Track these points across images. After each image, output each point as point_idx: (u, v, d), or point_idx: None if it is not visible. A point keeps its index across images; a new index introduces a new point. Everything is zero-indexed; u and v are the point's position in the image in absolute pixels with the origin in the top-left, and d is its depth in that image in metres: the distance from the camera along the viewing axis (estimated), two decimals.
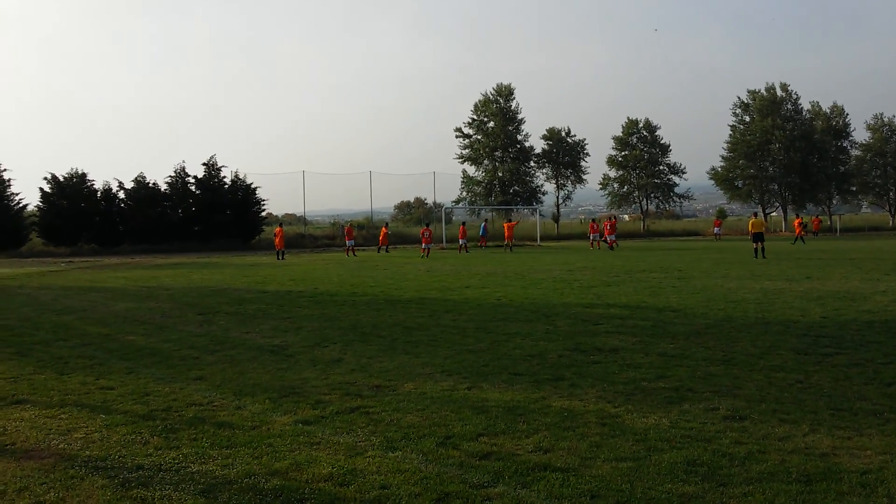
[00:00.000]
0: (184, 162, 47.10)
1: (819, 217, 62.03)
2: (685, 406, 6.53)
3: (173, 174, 46.62)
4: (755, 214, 34.01)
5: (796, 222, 45.14)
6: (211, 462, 5.29)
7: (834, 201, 73.55)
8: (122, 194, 45.70)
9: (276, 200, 74.22)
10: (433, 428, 6.00)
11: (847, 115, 71.63)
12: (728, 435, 5.67)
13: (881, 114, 73.65)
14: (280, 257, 34.33)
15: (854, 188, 72.68)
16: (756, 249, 27.99)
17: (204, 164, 47.09)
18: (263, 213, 49.86)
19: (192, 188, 46.83)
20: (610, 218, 48.65)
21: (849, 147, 72.12)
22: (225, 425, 6.20)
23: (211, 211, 45.48)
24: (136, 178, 45.78)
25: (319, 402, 6.90)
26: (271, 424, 6.20)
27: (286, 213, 72.29)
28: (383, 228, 42.20)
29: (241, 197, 47.29)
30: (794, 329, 10.56)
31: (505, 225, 44.18)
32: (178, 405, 6.90)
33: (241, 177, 47.93)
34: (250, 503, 4.53)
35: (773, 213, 72.55)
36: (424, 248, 35.45)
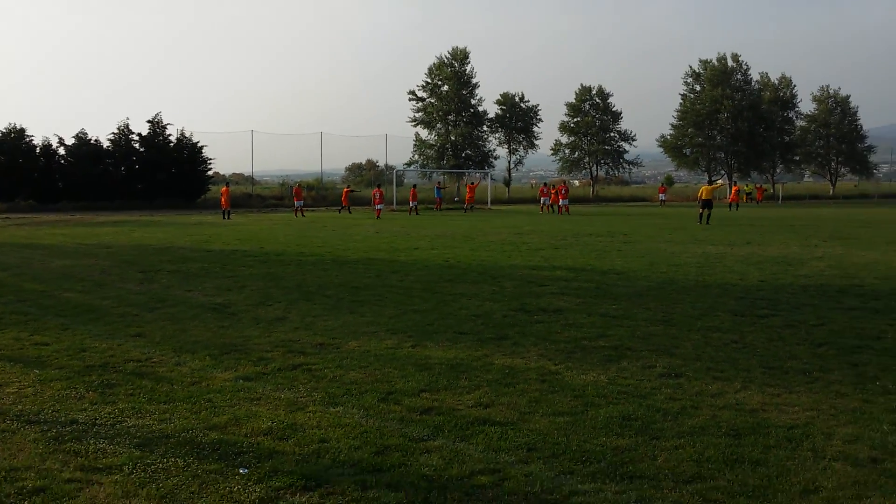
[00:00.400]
0: (128, 119, 45.89)
1: (762, 186, 63.41)
2: (623, 364, 6.66)
3: (116, 131, 45.39)
4: (709, 182, 34.33)
5: (734, 189, 46.01)
6: (148, 417, 5.22)
7: (778, 170, 75.33)
8: (62, 150, 44.31)
9: (224, 160, 72.96)
10: (375, 384, 6.02)
11: (794, 86, 73.17)
12: (663, 391, 5.82)
13: (827, 86, 75.54)
14: (226, 217, 33.76)
15: (797, 158, 74.50)
16: (701, 215, 28.53)
17: (149, 121, 45.97)
18: (210, 172, 48.88)
19: (136, 146, 45.67)
20: (562, 183, 49.09)
21: (794, 118, 73.83)
22: (163, 381, 6.12)
23: (155, 169, 44.38)
24: (77, 135, 44.41)
25: (261, 359, 6.85)
26: (211, 380, 6.13)
27: (234, 173, 70.96)
28: (345, 189, 41.86)
29: (187, 155, 46.30)
30: (732, 292, 10.83)
31: (468, 186, 44.48)
32: (115, 361, 6.77)
33: (187, 135, 46.92)
34: (187, 456, 4.48)
35: (720, 181, 73.95)
36: (377, 210, 35.34)
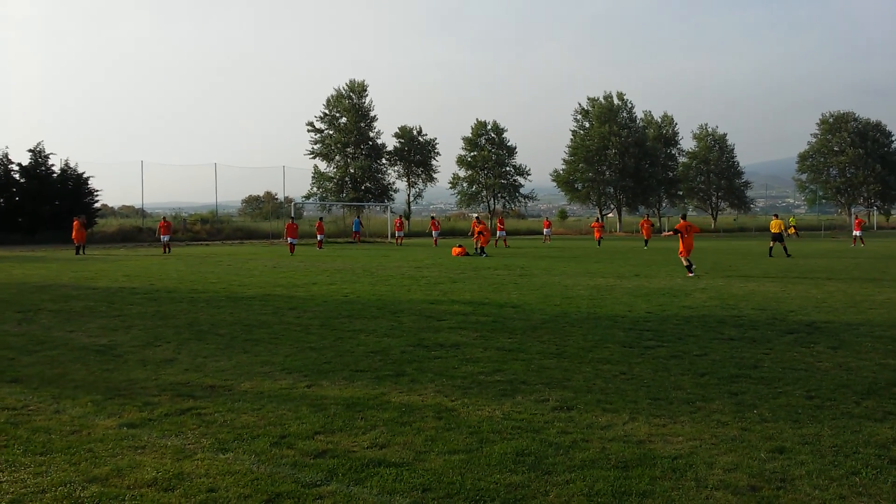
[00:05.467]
0: (7, 148, 43.72)
1: (650, 220, 65.54)
2: (518, 398, 6.77)
3: None
4: (775, 216, 33.95)
5: (644, 224, 44.64)
6: (23, 470, 4.91)
7: (663, 204, 78.97)
8: None
9: (113, 191, 70.23)
10: (268, 427, 5.87)
11: (676, 124, 77.29)
12: (556, 425, 5.94)
13: (706, 124, 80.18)
14: (78, 252, 31.00)
15: (681, 192, 78.42)
16: (770, 248, 29.57)
17: (30, 150, 43.78)
18: (97, 205, 46.93)
19: (17, 176, 43.39)
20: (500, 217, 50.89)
21: (677, 154, 77.86)
22: (40, 430, 5.77)
23: (37, 201, 42.24)
24: None
25: (147, 403, 6.57)
26: (93, 429, 5.83)
27: (123, 205, 68.52)
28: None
29: (72, 187, 44.31)
30: (621, 323, 11.21)
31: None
32: None
33: (71, 165, 44.97)
34: None
35: (610, 215, 76.79)
36: (290, 244, 34.07)
